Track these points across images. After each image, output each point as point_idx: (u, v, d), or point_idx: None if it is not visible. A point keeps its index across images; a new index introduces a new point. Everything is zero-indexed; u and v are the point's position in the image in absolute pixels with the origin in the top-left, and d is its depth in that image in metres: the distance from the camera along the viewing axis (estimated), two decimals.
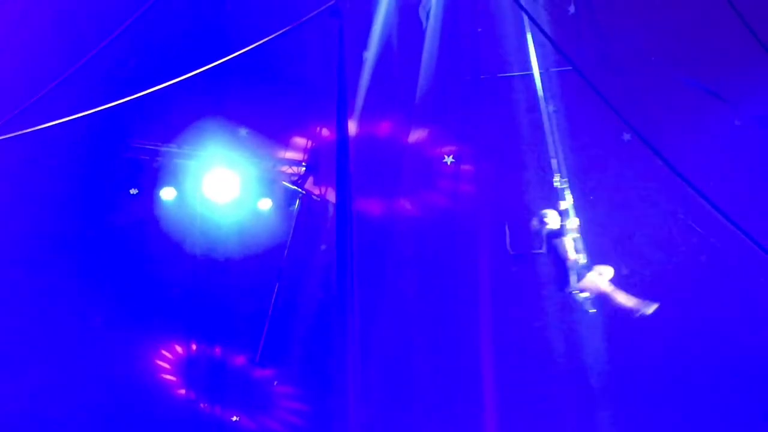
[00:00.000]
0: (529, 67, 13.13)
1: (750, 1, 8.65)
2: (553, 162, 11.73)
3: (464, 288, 13.51)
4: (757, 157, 12.32)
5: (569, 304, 12.42)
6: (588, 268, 11.35)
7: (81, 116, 8.24)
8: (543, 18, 12.46)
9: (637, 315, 11.31)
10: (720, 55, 11.93)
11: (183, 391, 13.95)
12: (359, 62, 13.41)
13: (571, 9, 12.94)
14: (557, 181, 11.56)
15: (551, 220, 11.58)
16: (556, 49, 9.38)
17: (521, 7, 9.49)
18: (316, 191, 14.10)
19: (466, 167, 13.93)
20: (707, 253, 12.77)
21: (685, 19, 12.27)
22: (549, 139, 12.17)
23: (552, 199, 11.72)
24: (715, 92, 11.92)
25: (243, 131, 13.73)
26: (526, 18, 11.50)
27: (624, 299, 11.33)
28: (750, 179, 12.26)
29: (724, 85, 12.01)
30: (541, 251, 12.25)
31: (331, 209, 13.80)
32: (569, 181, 11.80)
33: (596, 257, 12.98)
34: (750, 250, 6.98)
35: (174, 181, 13.64)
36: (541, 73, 12.97)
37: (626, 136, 12.78)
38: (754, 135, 12.24)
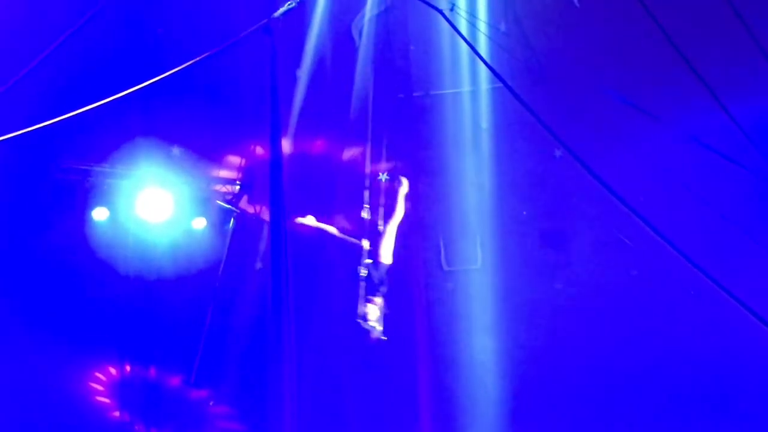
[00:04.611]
0: (461, 85, 13.29)
1: (679, 20, 8.87)
2: (365, 194, 11.90)
3: (400, 304, 13.55)
4: (686, 172, 12.54)
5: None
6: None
7: (11, 137, 8.15)
8: (474, 36, 12.58)
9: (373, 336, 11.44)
10: (650, 72, 12.15)
11: (117, 414, 13.78)
12: (293, 80, 13.42)
13: (502, 27, 13.08)
14: (365, 213, 11.71)
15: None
16: (487, 66, 9.48)
17: (453, 26, 9.58)
18: (251, 210, 14.05)
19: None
20: (638, 268, 12.97)
21: (615, 36, 12.47)
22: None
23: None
24: (643, 108, 12.13)
25: (176, 150, 13.63)
26: (457, 36, 11.61)
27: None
28: (679, 193, 12.46)
29: (653, 101, 12.22)
30: (476, 266, 12.38)
31: (266, 228, 13.75)
32: (502, 197, 11.92)
33: (530, 270, 13.19)
34: (680, 264, 7.10)
35: (106, 202, 13.50)
36: (472, 90, 13.14)
37: (558, 153, 12.93)
38: (682, 150, 12.47)
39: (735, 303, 6.66)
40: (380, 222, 11.68)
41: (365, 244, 11.51)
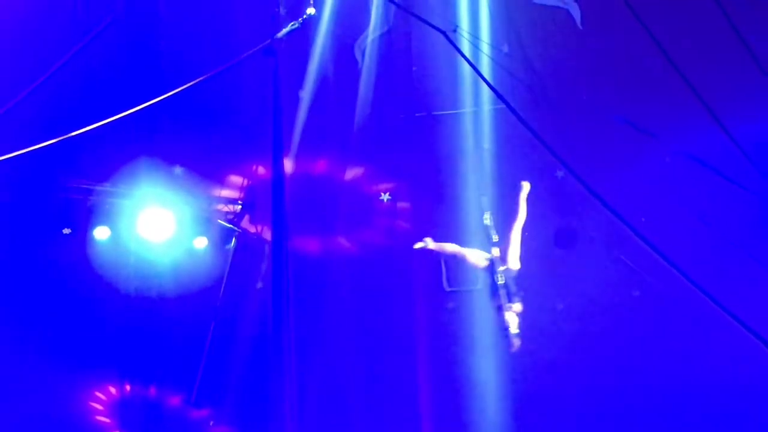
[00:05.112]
0: (463, 105, 13.32)
1: (680, 41, 8.90)
2: (483, 200, 11.78)
3: (401, 324, 13.55)
4: (686, 192, 12.55)
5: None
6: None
7: (13, 156, 8.17)
8: (477, 57, 12.63)
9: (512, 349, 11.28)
10: (650, 93, 12.17)
11: None
12: (295, 100, 13.46)
13: (504, 48, 13.13)
14: (486, 218, 11.57)
15: (475, 258, 11.51)
16: (489, 87, 9.51)
17: (456, 47, 9.59)
18: (253, 229, 14.05)
19: (402, 205, 13.99)
20: (640, 289, 12.95)
21: (616, 57, 12.51)
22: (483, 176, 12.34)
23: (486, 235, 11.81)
24: (645, 130, 12.14)
25: (178, 170, 13.65)
26: (460, 57, 11.65)
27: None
28: (680, 213, 12.47)
29: (654, 123, 12.25)
30: (477, 287, 12.35)
31: (268, 247, 13.75)
32: (503, 219, 11.91)
33: (531, 292, 13.16)
34: (682, 284, 7.09)
35: (108, 221, 13.51)
36: (474, 111, 13.16)
37: (559, 173, 12.94)
38: (683, 171, 12.48)
39: (736, 323, 6.65)
40: (493, 232, 11.49)
41: (495, 251, 11.37)
